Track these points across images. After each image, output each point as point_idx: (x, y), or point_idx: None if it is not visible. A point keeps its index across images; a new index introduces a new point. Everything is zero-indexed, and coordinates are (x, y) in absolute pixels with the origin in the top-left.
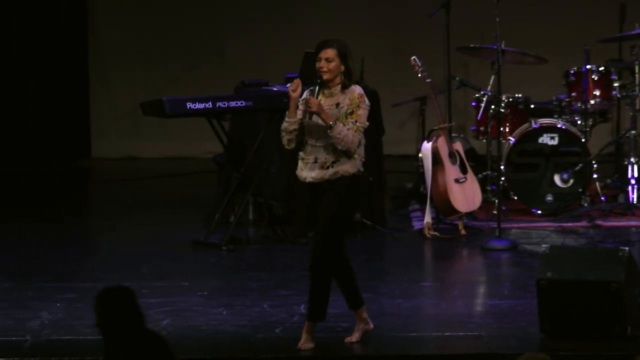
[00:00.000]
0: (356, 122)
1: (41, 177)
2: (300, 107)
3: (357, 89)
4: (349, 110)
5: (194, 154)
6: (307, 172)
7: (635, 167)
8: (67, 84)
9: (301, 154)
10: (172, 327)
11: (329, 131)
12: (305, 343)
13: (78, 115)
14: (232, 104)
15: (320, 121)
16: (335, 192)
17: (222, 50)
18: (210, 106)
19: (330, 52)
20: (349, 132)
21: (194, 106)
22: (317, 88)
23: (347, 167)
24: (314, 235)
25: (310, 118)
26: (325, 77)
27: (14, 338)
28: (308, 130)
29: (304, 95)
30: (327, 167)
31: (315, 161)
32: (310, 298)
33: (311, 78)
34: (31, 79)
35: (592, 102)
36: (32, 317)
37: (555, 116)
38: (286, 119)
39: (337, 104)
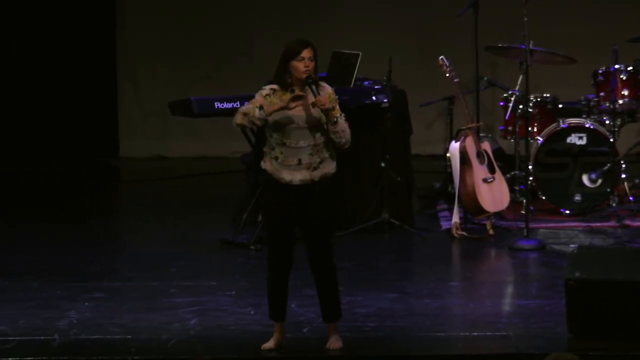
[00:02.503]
0: (342, 115)
1: (69, 177)
2: (262, 103)
3: (327, 86)
4: (330, 107)
5: (222, 154)
6: (290, 175)
7: None
8: (95, 83)
9: (275, 154)
10: (201, 326)
11: (332, 127)
12: (334, 343)
13: (106, 114)
14: None
15: (304, 119)
16: (324, 193)
17: (250, 50)
18: (238, 105)
19: (311, 52)
20: (346, 125)
21: (222, 106)
22: (315, 87)
23: (331, 167)
24: (310, 238)
25: (329, 120)
26: (309, 75)
27: (42, 337)
28: (288, 131)
29: (267, 92)
30: (314, 169)
31: (299, 163)
32: (323, 299)
33: (339, 78)
34: (59, 77)
35: (620, 101)
36: (60, 316)
37: (584, 116)
38: (262, 112)
39: (313, 103)
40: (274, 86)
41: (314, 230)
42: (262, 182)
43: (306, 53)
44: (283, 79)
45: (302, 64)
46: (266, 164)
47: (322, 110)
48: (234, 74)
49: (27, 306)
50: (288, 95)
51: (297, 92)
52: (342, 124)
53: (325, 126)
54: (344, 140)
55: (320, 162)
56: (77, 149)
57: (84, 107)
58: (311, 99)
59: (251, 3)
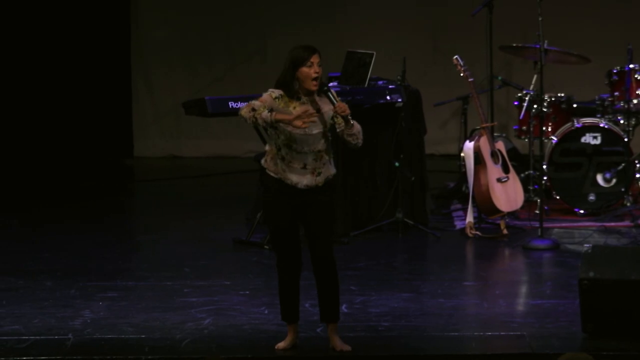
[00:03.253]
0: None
1: (84, 176)
2: (272, 105)
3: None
4: (349, 112)
5: (236, 153)
6: (297, 178)
7: None
8: (109, 83)
9: (282, 154)
10: (214, 326)
11: (349, 130)
12: (342, 346)
13: (120, 114)
14: None
15: (312, 127)
16: (327, 196)
17: (264, 50)
18: None
19: (319, 57)
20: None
21: (236, 105)
22: (331, 94)
23: (332, 170)
24: (312, 238)
25: (347, 124)
26: (323, 82)
27: (57, 337)
28: (295, 137)
29: (276, 95)
30: (318, 174)
31: (304, 167)
32: (323, 300)
33: (353, 77)
34: (74, 77)
35: (635, 101)
36: (74, 315)
37: (598, 115)
38: (270, 116)
39: (318, 110)
40: (281, 92)
41: (316, 232)
42: (263, 180)
43: (315, 59)
44: (290, 86)
45: (312, 70)
46: (268, 164)
47: (342, 116)
48: (247, 74)
49: (42, 305)
50: (294, 103)
51: (306, 106)
52: (357, 125)
53: (329, 132)
54: (359, 141)
55: (322, 167)
56: (92, 149)
57: (98, 106)
58: (317, 105)
59: (265, 4)
